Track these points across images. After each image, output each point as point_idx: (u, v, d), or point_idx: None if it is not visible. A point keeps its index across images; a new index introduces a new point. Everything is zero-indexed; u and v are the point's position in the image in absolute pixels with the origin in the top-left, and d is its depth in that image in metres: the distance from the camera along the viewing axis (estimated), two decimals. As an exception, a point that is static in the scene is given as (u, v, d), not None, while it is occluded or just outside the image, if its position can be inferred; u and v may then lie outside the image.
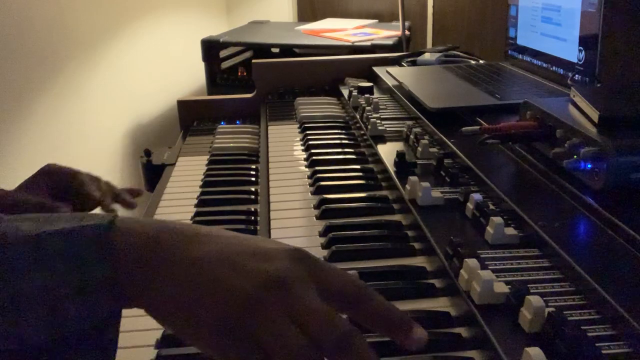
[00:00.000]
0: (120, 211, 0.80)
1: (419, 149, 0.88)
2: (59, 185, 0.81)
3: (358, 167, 0.96)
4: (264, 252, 0.42)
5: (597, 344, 0.45)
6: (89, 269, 0.39)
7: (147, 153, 1.29)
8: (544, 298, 0.49)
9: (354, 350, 0.39)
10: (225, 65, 2.19)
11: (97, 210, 0.82)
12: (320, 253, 0.71)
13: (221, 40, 2.11)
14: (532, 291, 0.51)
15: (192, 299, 0.40)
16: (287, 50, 2.14)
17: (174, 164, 1.11)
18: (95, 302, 0.40)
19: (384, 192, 0.87)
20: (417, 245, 0.71)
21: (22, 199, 0.74)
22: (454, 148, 0.84)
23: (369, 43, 1.99)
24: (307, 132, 1.14)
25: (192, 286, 0.40)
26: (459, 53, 1.52)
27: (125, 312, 0.56)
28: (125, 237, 0.41)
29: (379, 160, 0.92)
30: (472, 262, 0.55)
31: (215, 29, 2.43)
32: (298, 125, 1.22)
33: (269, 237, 0.76)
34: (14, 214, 0.42)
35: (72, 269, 0.39)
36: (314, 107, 1.29)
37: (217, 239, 0.43)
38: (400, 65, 1.47)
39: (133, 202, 0.87)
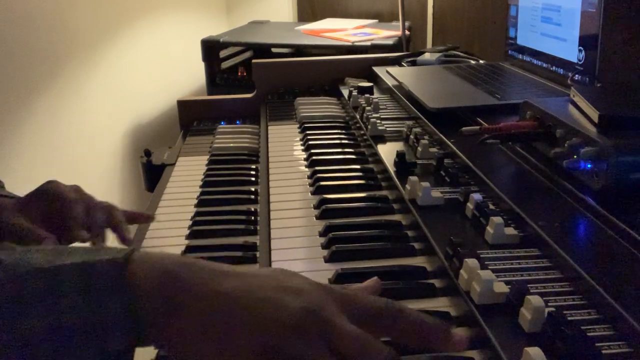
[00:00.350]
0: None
1: (419, 149, 0.88)
2: (51, 211, 0.75)
3: (358, 167, 0.96)
4: (293, 288, 0.42)
5: (597, 344, 0.45)
6: (102, 305, 0.39)
7: (147, 153, 1.29)
8: (544, 298, 0.49)
9: None
10: (225, 65, 2.19)
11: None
12: (320, 253, 0.71)
13: (221, 40, 2.11)
14: (532, 291, 0.51)
15: (224, 330, 0.39)
16: (287, 50, 2.14)
17: (174, 164, 1.11)
18: (108, 338, 0.39)
19: (384, 192, 0.87)
20: (417, 245, 0.71)
21: (13, 222, 0.71)
22: (454, 148, 0.84)
23: (369, 43, 1.99)
24: (307, 132, 1.14)
25: (223, 317, 0.40)
26: (459, 53, 1.52)
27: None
28: (142, 273, 0.40)
29: (379, 160, 0.92)
30: (472, 262, 0.55)
31: (215, 29, 2.43)
32: (298, 125, 1.22)
33: (269, 237, 0.76)
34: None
35: (85, 304, 0.38)
36: (314, 107, 1.29)
37: (241, 276, 0.43)
38: (400, 65, 1.46)
39: (129, 238, 0.76)
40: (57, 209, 0.74)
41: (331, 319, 0.41)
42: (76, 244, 0.41)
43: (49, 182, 0.77)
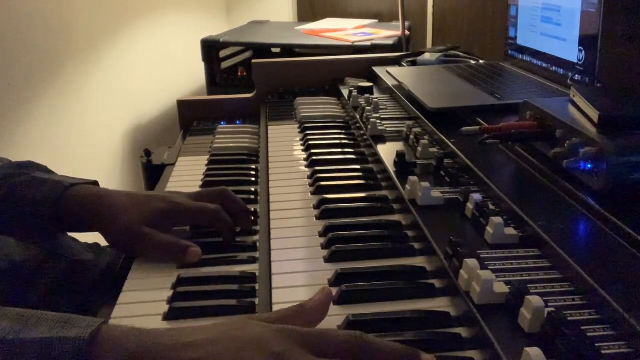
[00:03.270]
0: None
1: (419, 149, 0.88)
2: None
3: (358, 167, 0.96)
4: (253, 340, 0.42)
5: (597, 344, 0.45)
6: None
7: (147, 153, 1.29)
8: (544, 298, 0.49)
9: None
10: (225, 65, 2.19)
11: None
12: (320, 253, 0.71)
13: (221, 40, 2.11)
14: (532, 291, 0.51)
15: None
16: (287, 50, 2.15)
17: (174, 164, 1.11)
18: None
19: (384, 192, 0.87)
20: (417, 245, 0.71)
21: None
22: (454, 148, 0.84)
23: (369, 43, 1.99)
24: (307, 132, 1.14)
25: None
26: (459, 53, 1.52)
27: (123, 310, 0.56)
28: (105, 353, 0.41)
29: (379, 160, 0.92)
30: (472, 262, 0.55)
31: (215, 29, 2.43)
32: (298, 125, 1.22)
33: (269, 237, 0.76)
34: None
35: None
36: (314, 107, 1.29)
37: (200, 345, 0.43)
38: (400, 65, 1.46)
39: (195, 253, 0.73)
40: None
41: None
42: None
43: (223, 191, 0.80)
